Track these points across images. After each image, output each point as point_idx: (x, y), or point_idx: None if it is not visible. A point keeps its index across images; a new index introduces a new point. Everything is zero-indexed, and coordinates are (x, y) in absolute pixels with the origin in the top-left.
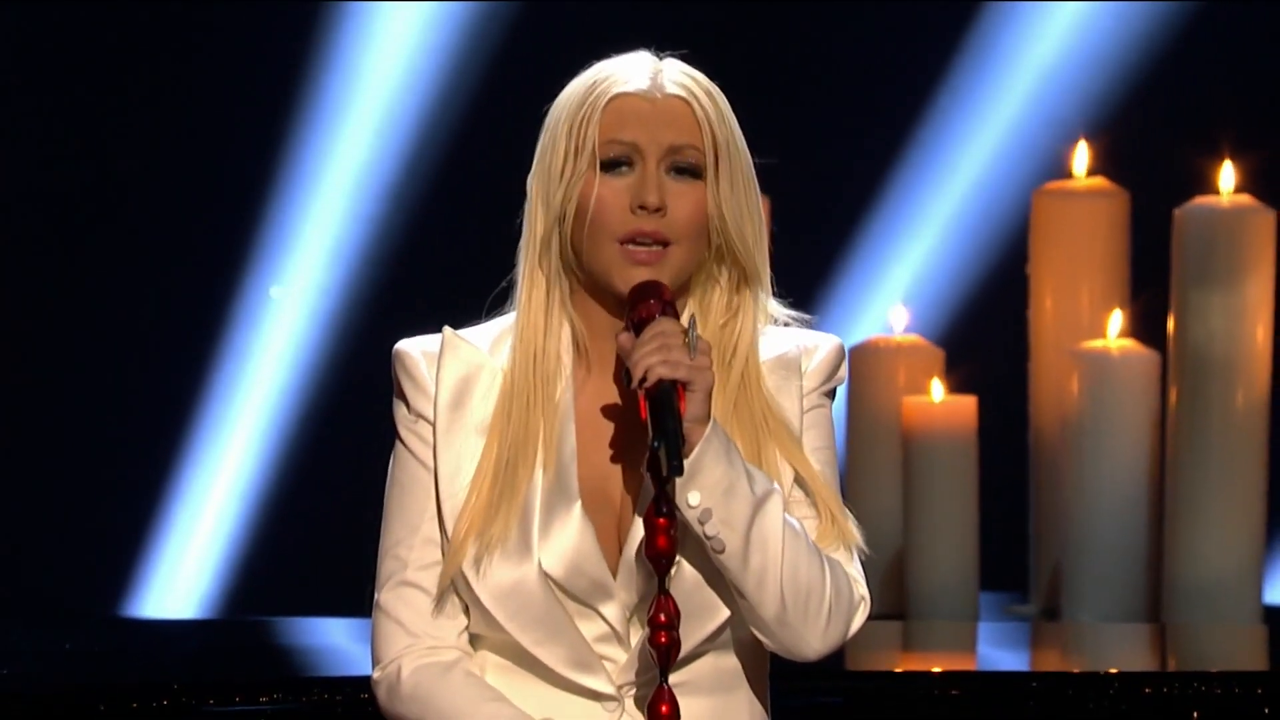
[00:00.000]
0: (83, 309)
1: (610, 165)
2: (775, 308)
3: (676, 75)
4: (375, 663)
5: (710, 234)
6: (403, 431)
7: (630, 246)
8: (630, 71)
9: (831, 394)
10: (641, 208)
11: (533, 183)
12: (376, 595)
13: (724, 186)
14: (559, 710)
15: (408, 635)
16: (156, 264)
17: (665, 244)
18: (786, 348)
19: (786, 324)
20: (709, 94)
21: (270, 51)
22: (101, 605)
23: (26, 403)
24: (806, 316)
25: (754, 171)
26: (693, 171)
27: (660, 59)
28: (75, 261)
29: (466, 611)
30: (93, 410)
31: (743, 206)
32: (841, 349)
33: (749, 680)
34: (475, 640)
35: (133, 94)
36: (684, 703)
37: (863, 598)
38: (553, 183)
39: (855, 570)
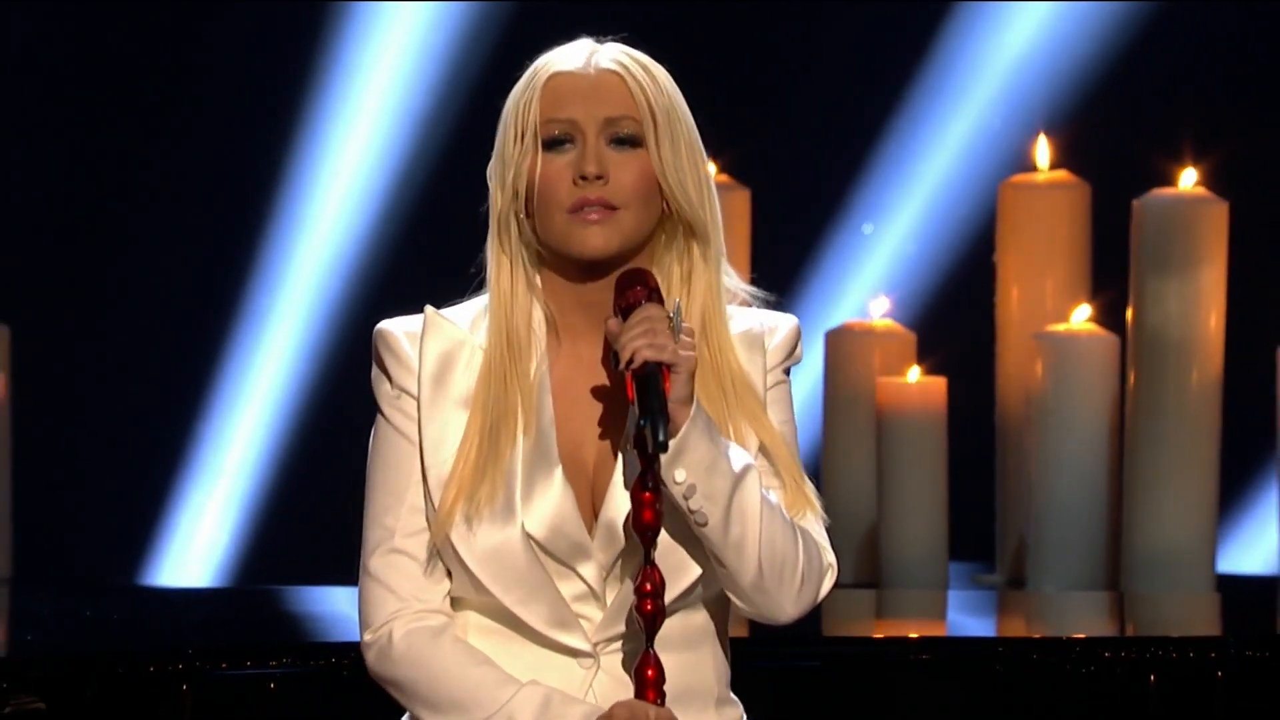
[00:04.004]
0: (100, 286)
1: (552, 143)
2: (737, 285)
3: (611, 52)
4: (365, 626)
5: (659, 198)
6: (385, 407)
7: (578, 213)
8: (567, 54)
9: (788, 371)
10: (583, 178)
11: (491, 170)
12: (364, 562)
13: (665, 151)
14: (538, 667)
15: (397, 600)
16: (166, 247)
17: (613, 208)
18: (750, 325)
19: (746, 303)
20: (644, 67)
21: (272, 49)
22: (120, 574)
23: (46, 377)
24: (768, 295)
25: (698, 137)
26: (631, 141)
27: (600, 43)
28: (92, 239)
29: (449, 575)
30: (111, 388)
31: (685, 169)
32: (798, 329)
33: (715, 635)
34: (456, 603)
35: (139, 91)
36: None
37: (830, 564)
38: (505, 166)
39: (822, 538)
